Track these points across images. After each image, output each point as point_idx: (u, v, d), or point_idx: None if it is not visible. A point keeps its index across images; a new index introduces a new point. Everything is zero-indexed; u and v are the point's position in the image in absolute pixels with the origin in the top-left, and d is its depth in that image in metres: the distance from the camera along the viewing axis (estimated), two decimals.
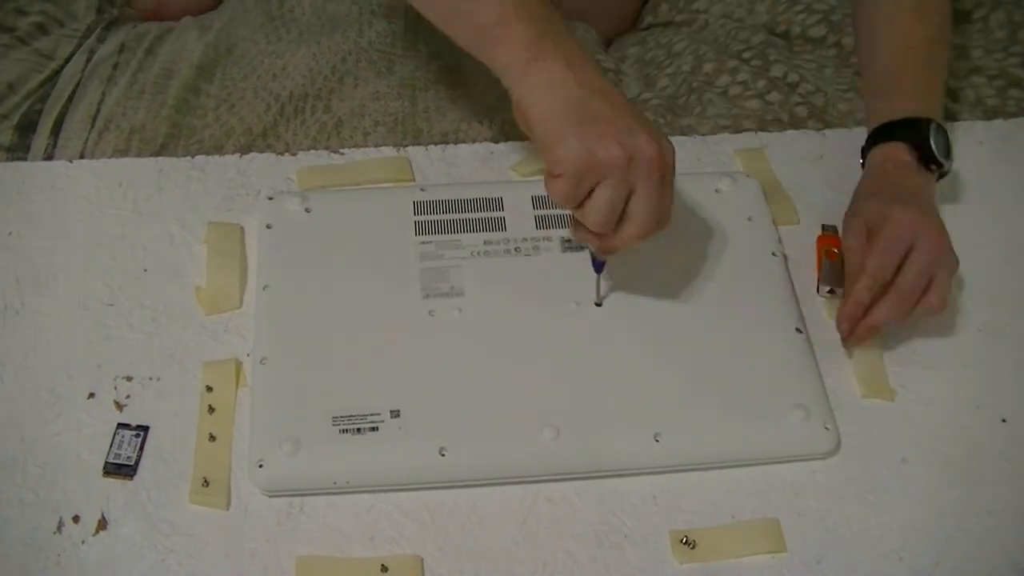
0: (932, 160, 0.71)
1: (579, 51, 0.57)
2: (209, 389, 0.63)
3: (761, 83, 0.85)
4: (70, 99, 0.80)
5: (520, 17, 0.57)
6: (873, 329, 0.66)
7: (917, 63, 0.76)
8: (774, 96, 0.85)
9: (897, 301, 0.65)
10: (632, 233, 0.57)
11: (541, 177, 0.75)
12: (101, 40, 0.84)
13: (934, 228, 0.68)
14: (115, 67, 0.82)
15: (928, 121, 0.72)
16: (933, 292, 0.65)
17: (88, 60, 0.83)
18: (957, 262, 0.67)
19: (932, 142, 0.71)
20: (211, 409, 0.63)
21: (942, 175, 0.73)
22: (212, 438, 0.62)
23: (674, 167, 0.57)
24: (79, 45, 0.84)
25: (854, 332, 0.66)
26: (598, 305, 0.67)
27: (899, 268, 0.66)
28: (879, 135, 0.73)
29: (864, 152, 0.75)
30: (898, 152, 0.72)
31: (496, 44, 0.57)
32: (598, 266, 0.65)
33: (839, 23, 0.91)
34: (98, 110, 0.79)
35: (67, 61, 0.82)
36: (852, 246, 0.69)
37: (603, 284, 0.66)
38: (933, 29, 0.78)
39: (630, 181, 0.55)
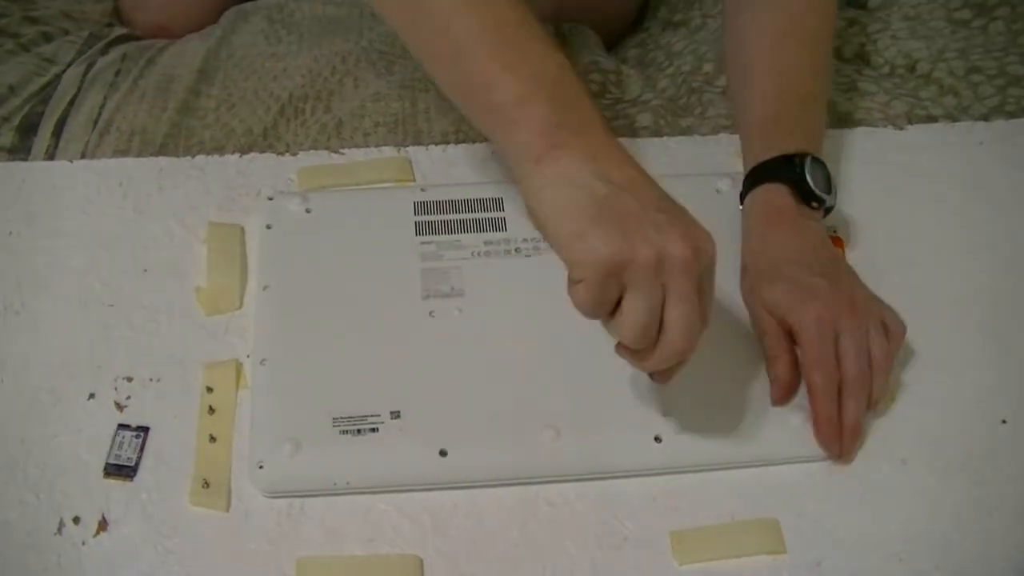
0: (812, 197, 0.66)
1: (605, 137, 0.51)
2: (209, 390, 0.63)
3: None
4: (71, 102, 0.80)
5: (540, 98, 0.50)
6: (857, 433, 0.62)
7: (790, 95, 0.71)
8: None
9: (857, 398, 0.61)
10: (670, 346, 0.51)
11: None
12: (104, 53, 0.84)
13: (844, 296, 0.63)
14: (117, 74, 0.82)
15: (803, 156, 0.67)
16: (879, 375, 0.62)
17: (89, 66, 0.83)
18: (880, 313, 0.64)
19: (808, 178, 0.66)
20: (211, 410, 0.63)
21: (828, 211, 0.69)
22: (212, 439, 0.62)
23: (714, 266, 0.52)
24: (81, 52, 0.84)
25: (844, 449, 0.62)
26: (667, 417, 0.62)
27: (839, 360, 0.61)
28: (754, 177, 0.69)
29: (742, 197, 0.70)
30: (776, 195, 0.67)
31: (509, 126, 0.51)
32: (658, 379, 0.58)
33: (844, 29, 0.91)
34: (99, 114, 0.79)
35: (68, 66, 0.82)
36: (776, 353, 0.63)
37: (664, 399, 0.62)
38: (807, 56, 0.73)
39: (662, 285, 0.49)
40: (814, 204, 0.67)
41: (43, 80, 0.81)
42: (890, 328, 0.64)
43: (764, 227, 0.67)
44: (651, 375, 0.57)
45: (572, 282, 0.50)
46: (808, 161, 0.67)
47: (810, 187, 0.66)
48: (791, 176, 0.66)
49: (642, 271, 0.48)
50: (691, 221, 0.51)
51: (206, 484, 0.60)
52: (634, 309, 0.49)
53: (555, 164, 0.50)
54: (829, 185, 0.68)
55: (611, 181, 0.50)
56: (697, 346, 0.52)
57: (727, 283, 0.68)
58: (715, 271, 0.52)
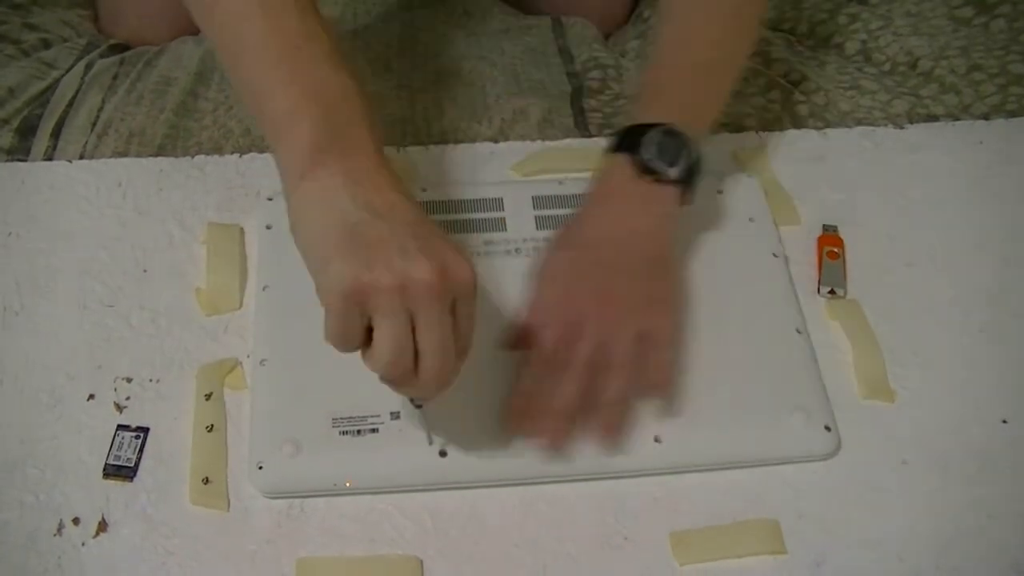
0: (646, 169, 0.62)
1: (374, 162, 0.50)
2: (209, 391, 0.63)
3: (762, 80, 0.85)
4: (70, 104, 0.80)
5: (310, 115, 0.50)
6: (562, 436, 0.59)
7: (682, 62, 0.67)
8: (775, 94, 0.85)
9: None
10: (426, 373, 0.49)
11: (542, 177, 0.76)
12: (102, 57, 0.85)
13: (618, 292, 0.60)
14: (115, 77, 0.83)
15: (656, 125, 0.62)
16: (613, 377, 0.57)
17: (87, 69, 0.83)
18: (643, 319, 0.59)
19: (645, 147, 0.62)
20: (211, 411, 0.63)
21: (684, 188, 0.63)
22: (212, 440, 0.61)
23: (473, 290, 0.50)
24: (79, 58, 0.85)
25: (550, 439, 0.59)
26: (432, 444, 0.60)
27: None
28: (610, 144, 0.65)
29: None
30: (616, 166, 0.63)
31: (280, 137, 0.51)
32: (417, 402, 0.57)
33: (846, 26, 0.91)
34: (98, 116, 0.79)
35: (68, 71, 0.83)
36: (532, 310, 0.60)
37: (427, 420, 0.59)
38: (714, 27, 0.67)
39: (408, 312, 0.48)
40: (650, 177, 0.62)
41: (43, 84, 0.82)
42: (652, 335, 0.60)
43: (595, 200, 0.64)
44: (412, 401, 0.57)
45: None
46: (658, 130, 0.62)
47: (641, 157, 0.62)
48: (631, 145, 0.63)
49: (383, 298, 0.47)
50: (446, 248, 0.49)
51: (207, 481, 0.60)
52: (380, 336, 0.48)
53: (315, 183, 0.49)
54: (677, 157, 0.62)
55: (368, 206, 0.49)
56: (458, 372, 0.51)
57: (729, 285, 0.69)
58: (474, 297, 0.50)
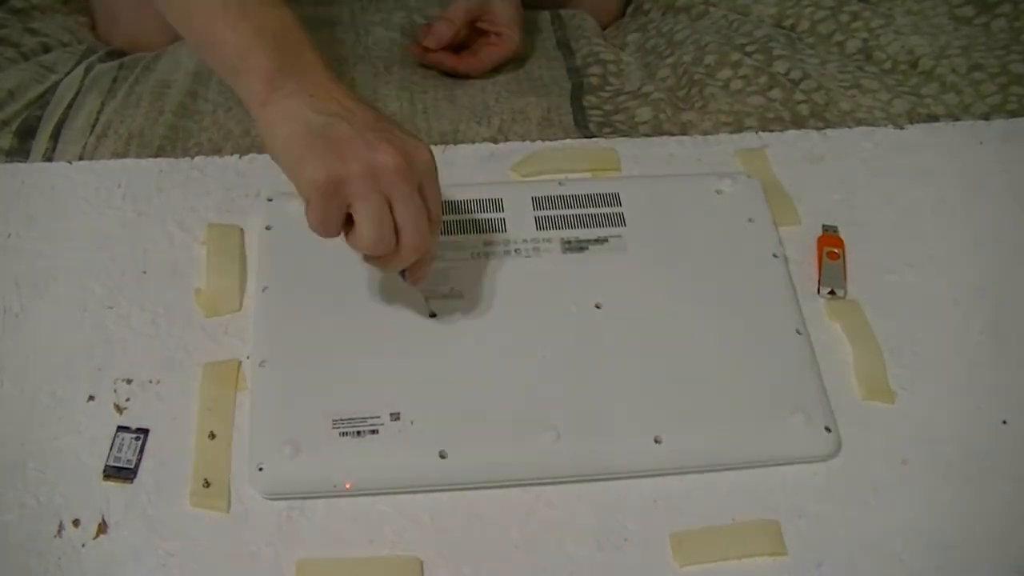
0: None
1: (324, 79, 0.58)
2: (208, 392, 0.63)
3: (763, 79, 0.85)
4: (69, 107, 0.80)
5: (260, 49, 0.57)
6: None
7: None
8: (776, 93, 0.85)
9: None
10: (406, 243, 0.56)
11: (542, 178, 0.76)
12: (101, 62, 0.85)
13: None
14: (114, 81, 0.83)
15: None
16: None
17: (87, 72, 0.83)
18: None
19: None
20: (211, 412, 0.63)
21: None
22: (212, 440, 0.61)
23: (434, 169, 0.57)
24: (79, 62, 0.85)
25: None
26: (433, 315, 0.64)
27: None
28: None
29: None
30: None
31: (238, 76, 0.58)
32: (410, 279, 0.62)
33: (847, 24, 0.91)
34: (97, 118, 0.79)
35: (67, 75, 0.83)
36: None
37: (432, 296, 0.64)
38: None
39: (384, 194, 0.55)
40: None
41: (42, 87, 0.82)
42: None
43: None
44: (403, 275, 0.61)
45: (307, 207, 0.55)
46: None
47: None
48: None
49: (357, 184, 0.54)
50: (405, 136, 0.57)
51: (207, 483, 0.60)
52: (362, 218, 0.55)
53: (277, 104, 0.56)
54: None
55: (327, 111, 0.55)
56: (433, 243, 0.59)
57: (729, 285, 0.69)
58: (436, 175, 0.58)
